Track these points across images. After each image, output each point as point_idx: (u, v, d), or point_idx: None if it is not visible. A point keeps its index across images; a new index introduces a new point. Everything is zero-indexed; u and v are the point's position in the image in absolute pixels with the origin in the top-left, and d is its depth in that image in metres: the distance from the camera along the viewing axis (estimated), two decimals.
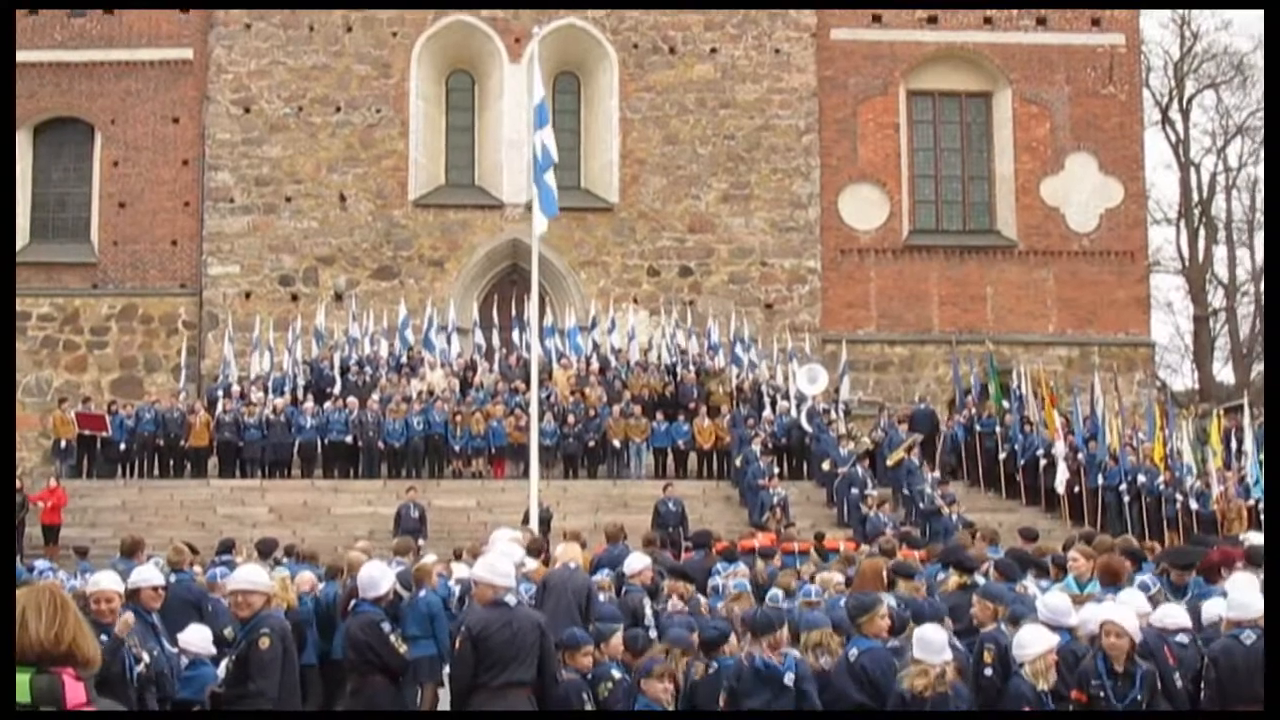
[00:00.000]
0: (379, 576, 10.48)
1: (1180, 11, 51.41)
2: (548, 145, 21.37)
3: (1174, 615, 9.45)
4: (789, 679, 8.21)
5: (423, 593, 12.59)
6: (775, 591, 13.04)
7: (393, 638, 10.16)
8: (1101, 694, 8.27)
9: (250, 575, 9.01)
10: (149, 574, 9.87)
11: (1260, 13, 33.26)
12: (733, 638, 9.44)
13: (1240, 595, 9.02)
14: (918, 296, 37.39)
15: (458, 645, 8.83)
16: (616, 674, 9.18)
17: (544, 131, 21.47)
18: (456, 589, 13.32)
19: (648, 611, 12.13)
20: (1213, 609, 9.57)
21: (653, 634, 11.07)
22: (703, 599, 13.30)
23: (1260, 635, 8.60)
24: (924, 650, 7.80)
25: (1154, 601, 10.00)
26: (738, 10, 37.40)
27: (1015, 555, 13.47)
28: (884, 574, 11.22)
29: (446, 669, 11.16)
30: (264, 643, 8.41)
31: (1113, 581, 10.75)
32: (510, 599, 8.98)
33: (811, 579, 14.27)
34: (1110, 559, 11.50)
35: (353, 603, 10.60)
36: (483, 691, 8.65)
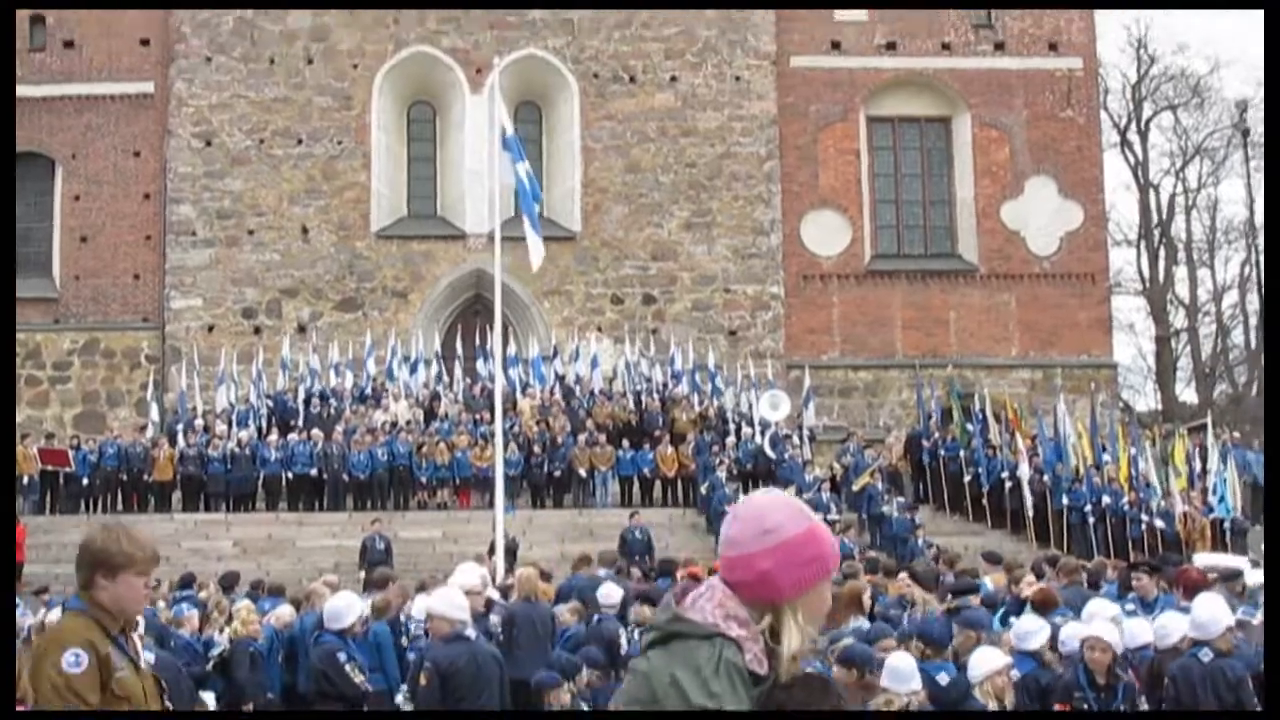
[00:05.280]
0: (343, 608, 10.52)
1: (1137, 35, 52.00)
2: (530, 176, 21.57)
3: (1140, 633, 9.51)
4: None
5: (375, 624, 12.60)
6: None
7: (348, 668, 10.15)
8: (1085, 706, 8.41)
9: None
10: None
11: (1228, 29, 33.42)
12: None
13: (1203, 613, 9.07)
14: (881, 321, 37.41)
15: (423, 680, 8.89)
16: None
17: (522, 165, 21.56)
18: (413, 624, 13.23)
19: (623, 642, 12.09)
20: (1172, 624, 9.59)
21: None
22: None
23: (1215, 655, 8.73)
24: (892, 679, 7.70)
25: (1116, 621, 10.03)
26: (697, 39, 37.51)
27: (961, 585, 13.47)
28: (863, 598, 11.19)
29: (398, 699, 11.18)
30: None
31: (1050, 609, 10.75)
32: (470, 632, 9.03)
33: None
34: (1046, 590, 11.56)
35: (316, 634, 10.56)
36: None
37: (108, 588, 4.75)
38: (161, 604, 14.02)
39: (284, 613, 13.84)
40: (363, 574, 22.41)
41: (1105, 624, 8.97)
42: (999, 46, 38.60)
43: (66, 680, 4.56)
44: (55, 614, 9.47)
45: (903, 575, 14.10)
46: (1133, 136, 52.21)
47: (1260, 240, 43.41)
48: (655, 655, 3.14)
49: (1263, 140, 35.08)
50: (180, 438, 29.95)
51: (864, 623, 10.11)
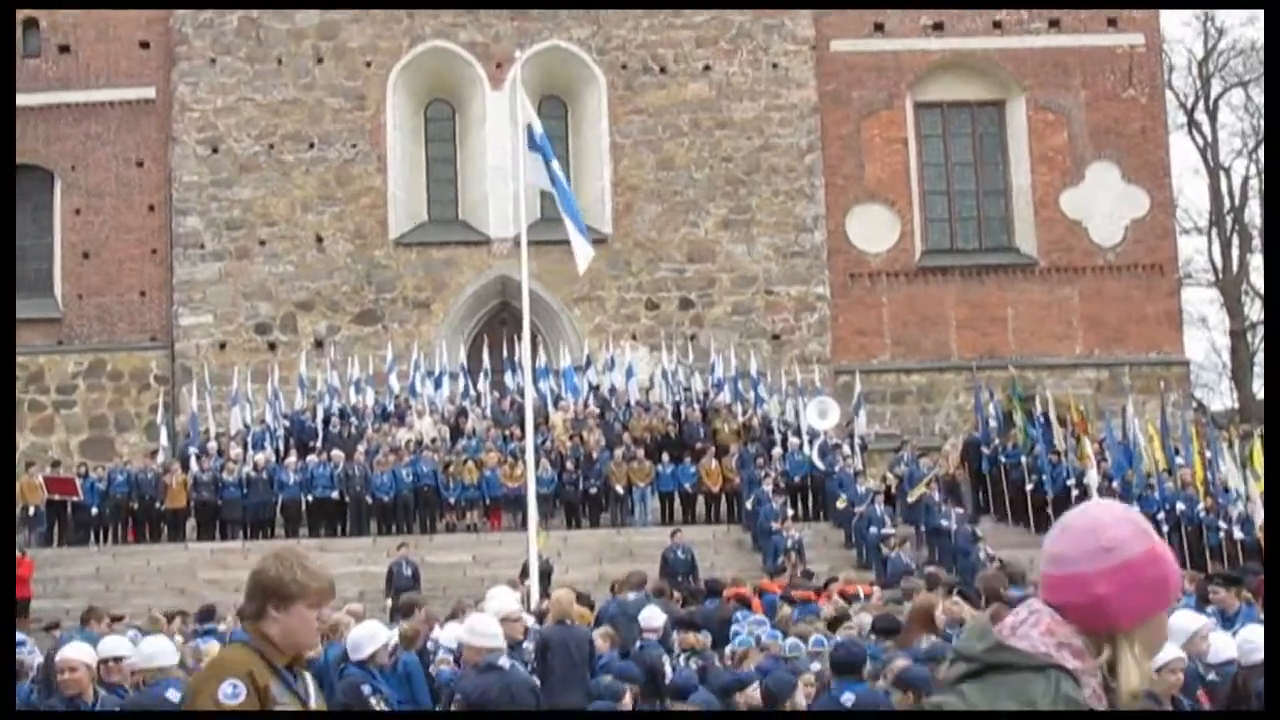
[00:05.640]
0: (364, 638, 10.59)
1: (1203, 7, 51.53)
2: (560, 176, 21.66)
3: (1224, 648, 9.46)
4: None
5: (404, 654, 12.57)
6: (794, 640, 13.00)
7: (373, 700, 10.20)
8: None
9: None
10: (116, 645, 9.85)
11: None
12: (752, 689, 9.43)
13: (1250, 633, 9.05)
14: (934, 321, 37.33)
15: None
16: None
17: (555, 163, 21.66)
18: (441, 650, 13.27)
19: (667, 669, 12.08)
20: (1257, 638, 9.51)
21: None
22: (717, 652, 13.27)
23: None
24: None
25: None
26: (731, 25, 37.46)
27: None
28: (935, 615, 11.15)
29: None
30: None
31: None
32: (503, 661, 9.08)
33: (832, 626, 14.21)
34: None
35: (341, 666, 10.68)
36: None
37: (279, 620, 4.78)
38: (179, 638, 13.99)
39: None
40: (389, 602, 22.38)
41: (1175, 648, 8.89)
42: (1054, 24, 38.37)
43: (222, 712, 4.66)
44: (63, 648, 9.52)
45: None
46: (1200, 116, 51.92)
47: None
48: (973, 690, 2.89)
49: (1262, 139, 34.42)
50: (193, 462, 30.10)
51: (935, 641, 10.04)
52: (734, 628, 15.05)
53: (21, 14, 36.13)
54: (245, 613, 4.92)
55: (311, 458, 30.19)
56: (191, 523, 29.96)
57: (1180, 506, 27.64)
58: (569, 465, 30.13)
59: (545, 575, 22.74)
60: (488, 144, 36.79)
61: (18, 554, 26.57)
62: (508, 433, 30.87)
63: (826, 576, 23.41)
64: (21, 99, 35.53)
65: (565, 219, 21.80)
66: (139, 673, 9.16)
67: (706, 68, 37.45)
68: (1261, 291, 52.19)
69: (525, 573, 22.08)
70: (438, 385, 33.46)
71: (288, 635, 4.79)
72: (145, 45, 37.13)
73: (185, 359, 35.99)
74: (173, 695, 8.73)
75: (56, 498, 29.73)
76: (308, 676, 4.95)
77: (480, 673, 8.94)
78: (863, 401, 33.66)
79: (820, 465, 30.18)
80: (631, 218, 37.12)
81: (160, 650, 9.35)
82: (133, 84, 37.00)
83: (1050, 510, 28.97)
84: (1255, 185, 52.45)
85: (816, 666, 11.47)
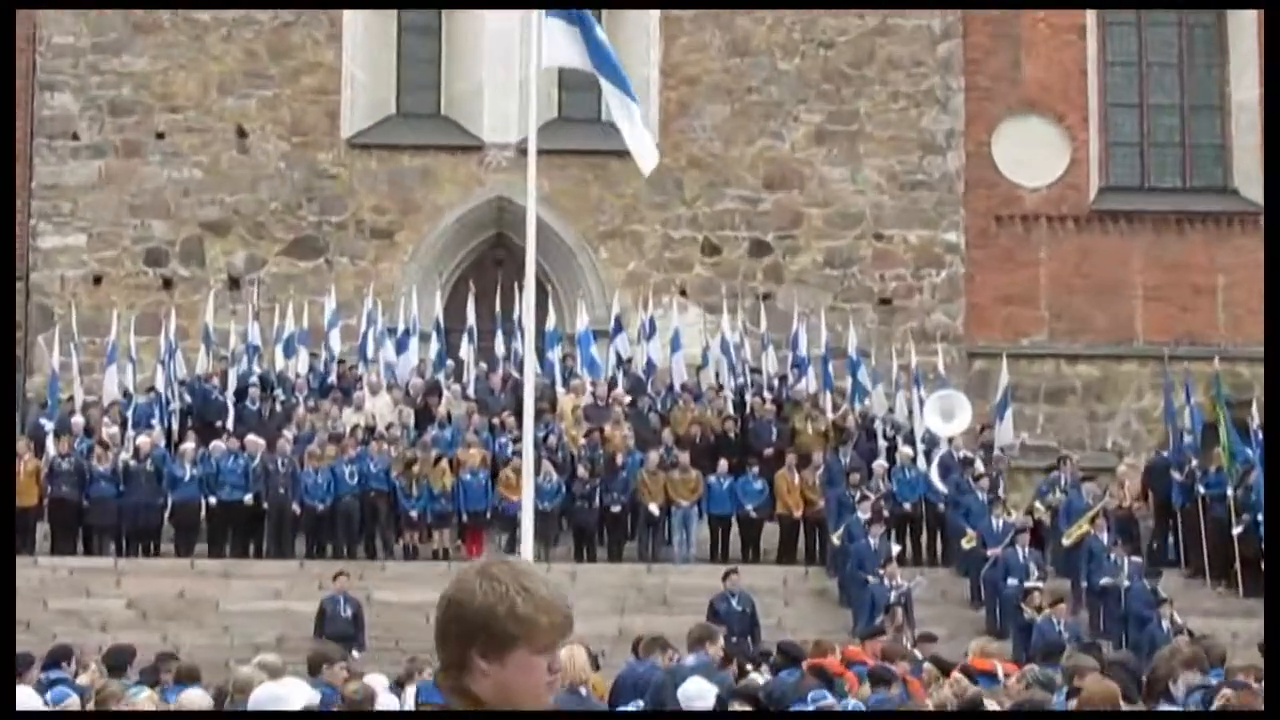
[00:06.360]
0: (282, 699, 10.69)
1: None
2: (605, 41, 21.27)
3: None
4: None
5: None
6: None
7: None
8: None
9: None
10: None
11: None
12: None
13: None
14: (1112, 289, 37.45)
15: None
16: None
17: (596, 29, 21.26)
18: None
19: None
20: None
21: None
22: None
23: None
24: None
25: None
26: None
27: None
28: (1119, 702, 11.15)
29: None
30: None
31: None
32: None
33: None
34: None
35: None
36: None
37: (491, 672, 4.57)
38: (25, 688, 14.06)
39: (193, 698, 13.85)
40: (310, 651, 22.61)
41: None
42: None
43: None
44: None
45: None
46: None
47: None
48: None
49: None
50: (49, 443, 30.30)
51: None
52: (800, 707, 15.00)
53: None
54: (441, 658, 4.65)
55: (217, 444, 30.33)
56: (44, 528, 30.23)
57: None
58: (582, 471, 30.26)
59: None
60: (485, 14, 36.54)
61: None
62: (497, 421, 31.14)
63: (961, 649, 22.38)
64: None
65: (612, 100, 21.34)
66: None
67: None
68: None
69: None
70: (400, 349, 33.67)
71: (504, 694, 4.56)
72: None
73: (43, 296, 36.25)
74: None
75: None
76: None
77: None
78: (1008, 399, 33.74)
79: (941, 487, 30.42)
80: (686, 122, 37.13)
81: None
82: None
83: (1263, 564, 28.73)
84: None
85: None
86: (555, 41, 21.19)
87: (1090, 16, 38.30)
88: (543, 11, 21.20)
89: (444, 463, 30.06)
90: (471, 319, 34.24)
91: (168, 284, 36.18)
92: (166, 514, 30.14)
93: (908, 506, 30.43)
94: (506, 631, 4.50)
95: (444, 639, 4.59)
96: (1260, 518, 29.12)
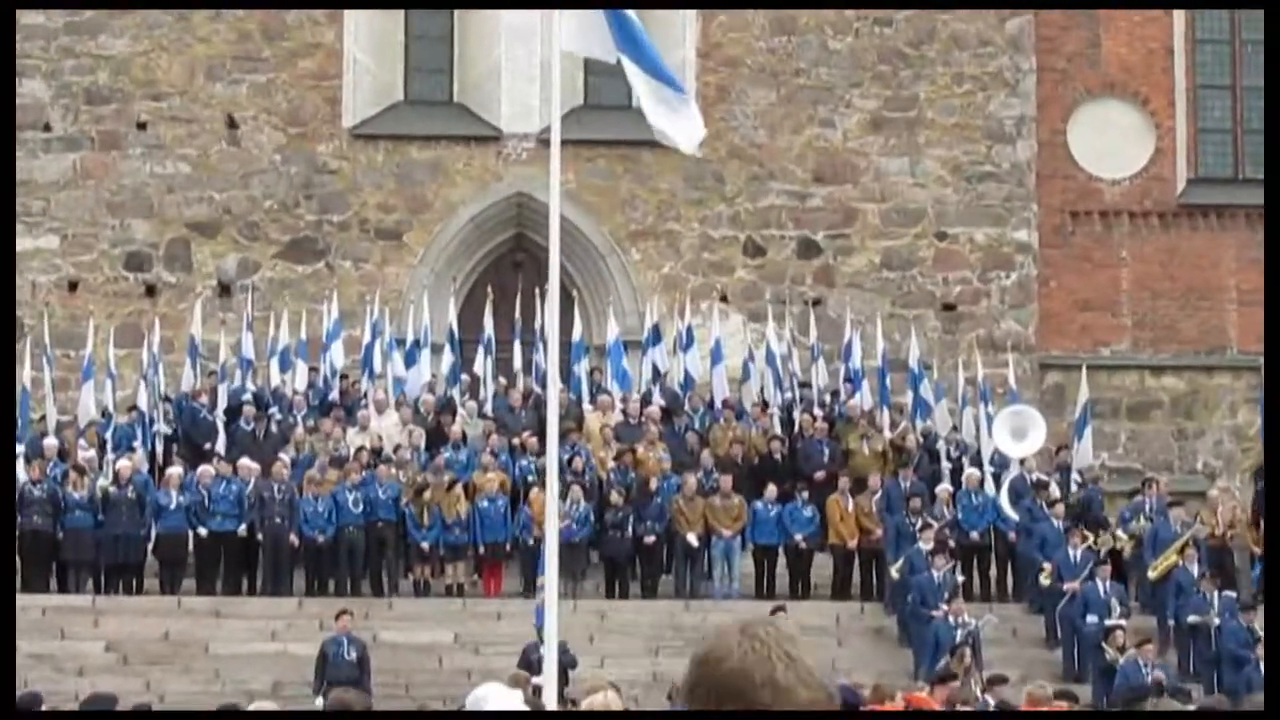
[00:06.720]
0: None
1: None
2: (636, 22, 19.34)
3: None
4: None
5: None
6: None
7: None
8: None
9: None
10: None
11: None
12: None
13: None
14: (1203, 291, 37.46)
15: None
16: None
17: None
18: None
19: None
20: None
21: None
22: None
23: None
24: None
25: None
26: None
27: None
28: None
29: None
30: None
31: None
32: None
33: None
34: None
35: None
36: None
37: None
38: None
39: None
40: (320, 700, 23.21)
41: None
42: None
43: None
44: None
45: None
46: None
47: None
48: None
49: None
50: (20, 467, 30.24)
51: None
52: None
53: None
54: None
55: (206, 469, 30.59)
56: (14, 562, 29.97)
57: None
58: (613, 496, 30.50)
59: (564, 670, 22.51)
60: None
61: None
62: (517, 442, 31.39)
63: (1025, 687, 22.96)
64: None
65: (641, 82, 19.22)
66: None
67: None
68: None
69: (534, 664, 22.45)
70: (410, 363, 33.66)
71: None
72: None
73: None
74: None
75: None
76: None
77: None
78: (1086, 416, 33.43)
79: (1012, 514, 30.63)
80: (727, 108, 36.82)
81: None
82: None
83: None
84: None
85: None
86: (574, 24, 19.22)
87: None
88: None
89: (458, 488, 30.32)
90: (489, 329, 34.35)
91: (151, 291, 36.22)
92: (150, 547, 30.29)
93: (975, 536, 30.68)
94: (762, 700, 4.25)
95: (690, 702, 4.40)
96: None
